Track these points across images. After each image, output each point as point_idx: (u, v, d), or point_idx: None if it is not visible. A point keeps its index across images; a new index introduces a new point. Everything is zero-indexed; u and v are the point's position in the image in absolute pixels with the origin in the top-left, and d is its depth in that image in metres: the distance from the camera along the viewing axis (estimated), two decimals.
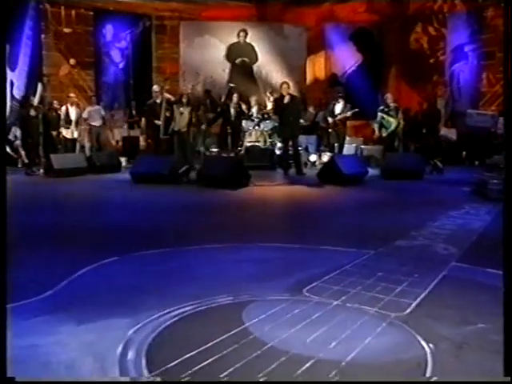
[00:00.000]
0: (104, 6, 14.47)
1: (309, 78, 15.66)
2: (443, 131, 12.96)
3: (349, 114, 10.77)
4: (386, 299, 2.70)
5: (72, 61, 14.15)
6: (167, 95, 9.38)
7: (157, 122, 9.52)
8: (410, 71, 14.82)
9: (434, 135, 12.81)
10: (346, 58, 14.84)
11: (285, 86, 9.06)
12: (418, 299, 2.69)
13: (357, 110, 10.90)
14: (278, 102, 9.47)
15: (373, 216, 5.33)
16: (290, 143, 9.41)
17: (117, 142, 13.05)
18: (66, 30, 14.17)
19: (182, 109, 8.96)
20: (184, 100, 8.98)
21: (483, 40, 12.70)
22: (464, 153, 12.44)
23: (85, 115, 11.89)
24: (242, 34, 14.53)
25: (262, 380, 1.87)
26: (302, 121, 10.20)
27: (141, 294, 2.81)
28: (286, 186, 7.76)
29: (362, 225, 4.85)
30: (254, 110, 11.51)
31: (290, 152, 9.74)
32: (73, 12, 14.41)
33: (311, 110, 13.34)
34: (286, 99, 8.90)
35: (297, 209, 5.94)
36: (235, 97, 8.62)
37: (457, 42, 13.33)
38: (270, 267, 3.31)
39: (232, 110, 8.36)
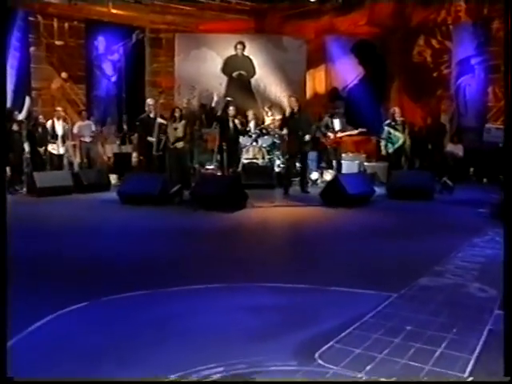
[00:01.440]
0: (99, 18, 14.04)
1: (308, 92, 15.15)
2: (449, 147, 12.41)
3: (355, 132, 10.19)
4: (425, 369, 2.08)
5: (64, 74, 13.67)
6: (160, 120, 8.76)
7: (149, 138, 8.89)
8: (412, 85, 14.32)
9: (439, 151, 12.28)
10: (348, 72, 14.32)
11: (292, 99, 8.58)
12: (468, 370, 2.07)
13: (364, 130, 10.34)
14: (285, 115, 9.02)
15: (386, 245, 4.70)
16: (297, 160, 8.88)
17: (108, 158, 12.47)
18: (59, 43, 13.72)
19: (175, 124, 8.33)
20: (176, 115, 8.32)
21: (491, 52, 12.21)
22: (472, 169, 11.86)
23: (75, 130, 11.34)
24: (239, 46, 14.03)
25: None
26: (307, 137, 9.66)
27: (106, 361, 2.18)
28: (286, 207, 7.13)
29: (376, 257, 4.23)
30: (252, 124, 10.95)
31: (295, 170, 9.16)
32: (66, 24, 13.97)
33: None
34: (294, 112, 8.45)
35: (299, 236, 5.29)
36: (232, 110, 7.96)
37: (463, 54, 12.83)
38: (272, 318, 2.68)
39: (230, 124, 7.71)
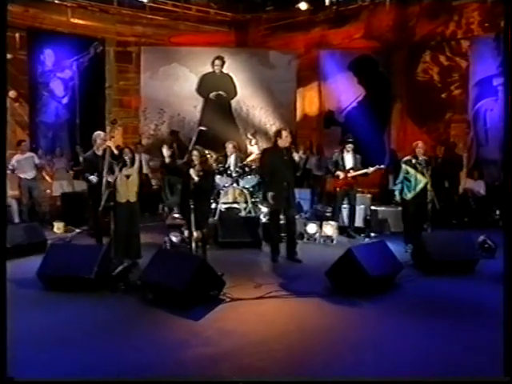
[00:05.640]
0: (54, 27, 12.02)
1: (297, 114, 13.24)
2: (468, 183, 10.47)
3: (371, 170, 8.19)
4: None
5: (12, 93, 11.64)
6: (111, 160, 6.43)
7: (91, 178, 6.66)
8: (417, 107, 12.48)
9: (456, 189, 10.35)
10: (345, 92, 12.40)
11: (285, 133, 6.40)
12: None
13: (382, 167, 8.37)
14: (265, 154, 6.81)
15: None
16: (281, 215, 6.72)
17: (57, 198, 10.26)
18: (7, 56, 11.67)
19: (127, 170, 6.07)
20: (127, 157, 6.07)
21: None
22: (498, 211, 9.83)
23: (11, 165, 9.15)
24: (217, 62, 12.17)
25: None
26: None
27: None
28: (277, 299, 4.92)
29: None
30: (232, 160, 8.90)
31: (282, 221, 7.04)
32: (16, 35, 11.93)
33: (301, 153, 10.78)
34: (283, 149, 6.35)
35: None
36: (196, 156, 5.61)
37: (482, 73, 10.93)
38: None
39: (195, 178, 5.46)
